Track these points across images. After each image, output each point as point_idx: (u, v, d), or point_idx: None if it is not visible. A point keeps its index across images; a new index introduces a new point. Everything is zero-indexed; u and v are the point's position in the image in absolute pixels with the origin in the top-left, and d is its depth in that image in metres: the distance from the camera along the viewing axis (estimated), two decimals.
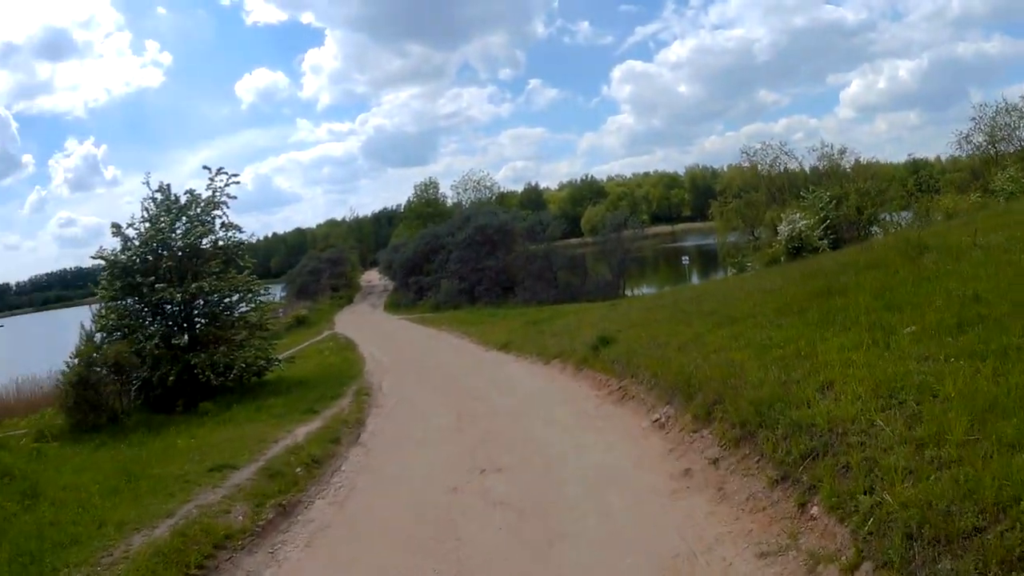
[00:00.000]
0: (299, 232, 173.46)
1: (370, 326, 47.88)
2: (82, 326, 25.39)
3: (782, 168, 47.80)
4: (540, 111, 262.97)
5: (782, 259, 33.83)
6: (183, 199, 26.63)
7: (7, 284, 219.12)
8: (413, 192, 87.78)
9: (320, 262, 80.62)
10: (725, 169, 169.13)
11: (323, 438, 14.80)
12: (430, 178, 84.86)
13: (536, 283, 51.51)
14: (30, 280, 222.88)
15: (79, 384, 20.71)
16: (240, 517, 9.79)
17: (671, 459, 9.95)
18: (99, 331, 25.02)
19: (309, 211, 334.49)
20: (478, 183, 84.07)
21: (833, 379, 8.64)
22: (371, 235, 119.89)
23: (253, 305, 27.80)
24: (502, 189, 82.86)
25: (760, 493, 7.83)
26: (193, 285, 24.73)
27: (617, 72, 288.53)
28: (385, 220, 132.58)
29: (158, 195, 26.32)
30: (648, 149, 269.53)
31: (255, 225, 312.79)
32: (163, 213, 25.98)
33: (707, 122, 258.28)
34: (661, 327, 17.94)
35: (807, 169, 47.23)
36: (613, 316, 25.46)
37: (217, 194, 26.98)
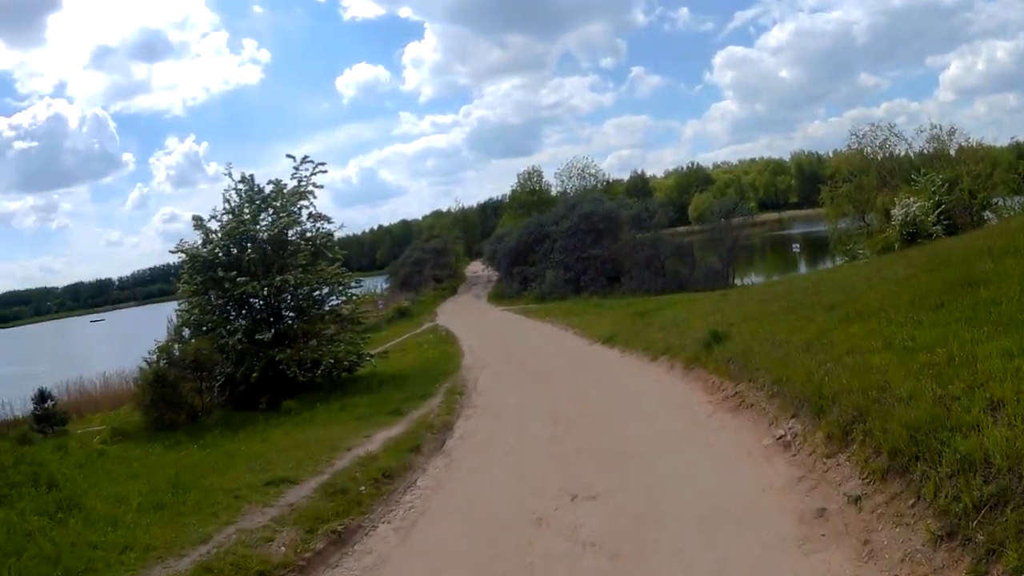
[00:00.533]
0: (404, 224, 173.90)
1: (472, 318, 46.67)
2: (169, 321, 24.55)
3: (891, 152, 44.73)
4: (643, 99, 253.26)
5: (896, 246, 32.12)
6: (268, 190, 25.72)
7: (110, 279, 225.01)
8: (516, 181, 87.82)
9: (423, 253, 79.26)
10: (831, 155, 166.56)
11: (402, 446, 13.58)
12: (533, 167, 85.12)
13: (643, 272, 49.35)
14: (132, 275, 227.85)
15: (156, 381, 20.29)
16: (283, 547, 8.58)
17: (800, 492, 8.12)
18: (182, 326, 24.38)
19: (415, 203, 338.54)
20: (583, 171, 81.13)
21: (1004, 397, 6.62)
22: (476, 225, 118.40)
23: (344, 298, 26.71)
24: (607, 176, 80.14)
25: (919, 552, 5.92)
26: (278, 278, 23.84)
27: (719, 58, 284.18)
28: (491, 210, 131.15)
29: (241, 186, 25.56)
30: (752, 136, 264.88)
31: (361, 218, 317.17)
32: (246, 204, 25.15)
33: (809, 107, 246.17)
34: (779, 321, 16.09)
35: (913, 153, 44.58)
36: (724, 307, 23.58)
37: (303, 184, 25.94)
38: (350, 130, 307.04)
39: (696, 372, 15.62)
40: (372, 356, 26.35)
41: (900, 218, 32.55)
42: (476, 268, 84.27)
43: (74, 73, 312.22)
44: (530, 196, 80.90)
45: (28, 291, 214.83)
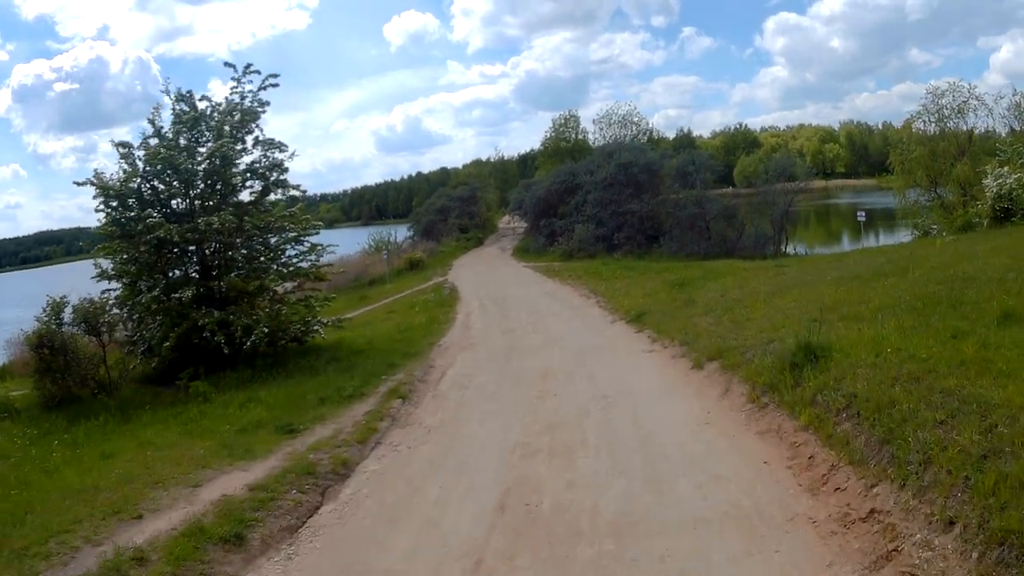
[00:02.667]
0: (443, 171, 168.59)
1: (488, 275, 40.68)
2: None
3: (970, 119, 38.14)
4: (693, 60, 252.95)
5: (985, 223, 27.54)
6: (206, 109, 20.20)
7: None
8: (551, 126, 77.79)
9: (449, 200, 72.89)
10: (881, 126, 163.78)
11: (210, 533, 7.60)
12: (570, 111, 75.59)
13: (685, 233, 42.70)
14: None
15: (41, 346, 17.12)
16: None
17: None
18: (98, 279, 19.72)
19: (460, 152, 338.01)
20: (624, 118, 70.90)
21: None
22: (516, 176, 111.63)
23: (302, 248, 21.78)
24: (651, 127, 71.47)
25: None
26: (201, 221, 17.98)
27: (771, 23, 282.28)
28: (531, 162, 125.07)
29: (181, 106, 19.79)
30: (800, 103, 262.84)
31: (404, 165, 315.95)
32: (184, 128, 20.08)
33: (859, 78, 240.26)
34: (894, 324, 10.50)
35: (995, 119, 38.17)
36: (787, 284, 19.70)
37: (246, 100, 20.12)
38: (396, 78, 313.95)
39: (772, 416, 9.36)
40: (321, 325, 20.77)
41: (994, 191, 27.05)
42: (510, 219, 78.12)
43: (118, 15, 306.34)
44: (564, 143, 72.83)
45: (61, 231, 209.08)
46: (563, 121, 72.12)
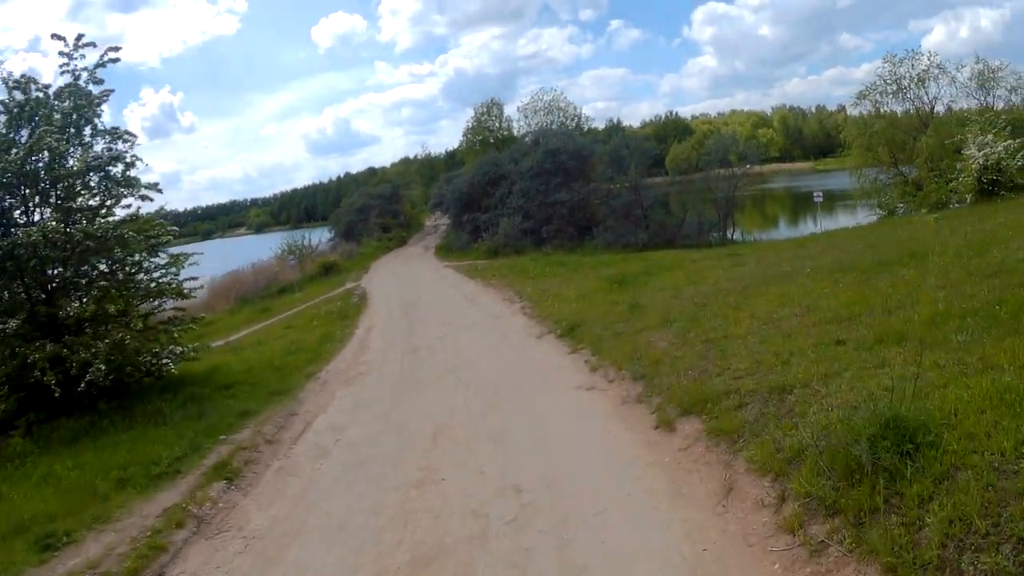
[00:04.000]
0: (371, 171, 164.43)
1: (405, 278, 36.48)
2: None
3: (932, 89, 35.34)
4: (621, 52, 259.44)
5: (968, 198, 25.23)
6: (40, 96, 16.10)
7: None
8: (473, 115, 71.51)
9: (369, 198, 68.95)
10: (813, 110, 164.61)
11: None
12: (492, 99, 70.33)
13: (621, 223, 39.42)
14: None
15: None
16: None
17: None
18: None
19: (390, 152, 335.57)
20: (550, 105, 64.99)
21: None
22: (443, 173, 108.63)
23: (157, 261, 17.39)
24: (580, 113, 66.35)
25: None
26: (20, 232, 14.30)
27: (699, 13, 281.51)
28: (459, 158, 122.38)
29: (17, 93, 15.53)
30: (729, 92, 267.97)
31: (335, 167, 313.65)
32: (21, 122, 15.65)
33: (789, 65, 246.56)
34: (1007, 357, 6.57)
35: (957, 90, 35.77)
36: (755, 279, 16.79)
37: (78, 78, 16.06)
38: (325, 80, 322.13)
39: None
40: (174, 356, 16.58)
41: (979, 162, 24.30)
42: (436, 217, 74.01)
43: (49, 26, 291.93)
44: (486, 132, 67.36)
45: None
46: (485, 110, 65.60)
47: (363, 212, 64.45)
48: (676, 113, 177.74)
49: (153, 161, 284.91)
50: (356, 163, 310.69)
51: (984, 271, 10.38)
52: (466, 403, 11.51)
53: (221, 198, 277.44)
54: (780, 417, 6.96)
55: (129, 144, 16.55)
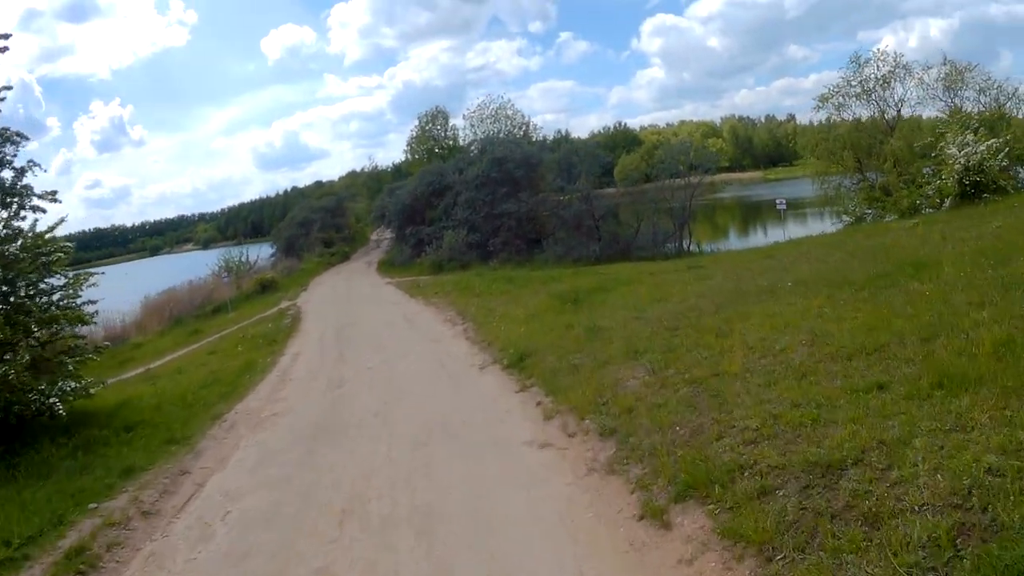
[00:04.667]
0: (318, 185, 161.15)
1: (343, 296, 34.03)
2: None
3: (898, 91, 33.67)
4: (570, 64, 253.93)
5: (948, 201, 23.69)
6: None
7: None
8: (416, 124, 68.00)
9: (312, 212, 66.16)
10: (763, 120, 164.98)
11: None
12: (437, 107, 64.39)
13: (572, 235, 37.26)
14: None
15: None
16: None
17: None
18: None
19: (337, 166, 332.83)
20: (497, 112, 60.32)
21: None
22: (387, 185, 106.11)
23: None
24: (528, 121, 62.93)
25: None
26: None
27: (648, 25, 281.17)
28: (407, 171, 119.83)
29: None
30: (678, 103, 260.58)
31: (283, 181, 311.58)
32: None
33: (737, 76, 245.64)
34: None
35: (925, 91, 33.48)
36: (730, 295, 14.57)
37: None
38: (275, 92, 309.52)
39: None
40: (64, 393, 13.82)
41: (960, 163, 22.77)
42: (382, 231, 71.38)
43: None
44: (430, 142, 64.37)
45: None
46: (430, 119, 62.63)
47: (305, 226, 61.68)
48: (625, 124, 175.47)
49: (103, 176, 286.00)
50: (305, 177, 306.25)
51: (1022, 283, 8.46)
52: (390, 459, 9.22)
53: (170, 213, 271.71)
54: (835, 518, 4.67)
55: (16, 147, 14.25)
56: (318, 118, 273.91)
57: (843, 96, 33.93)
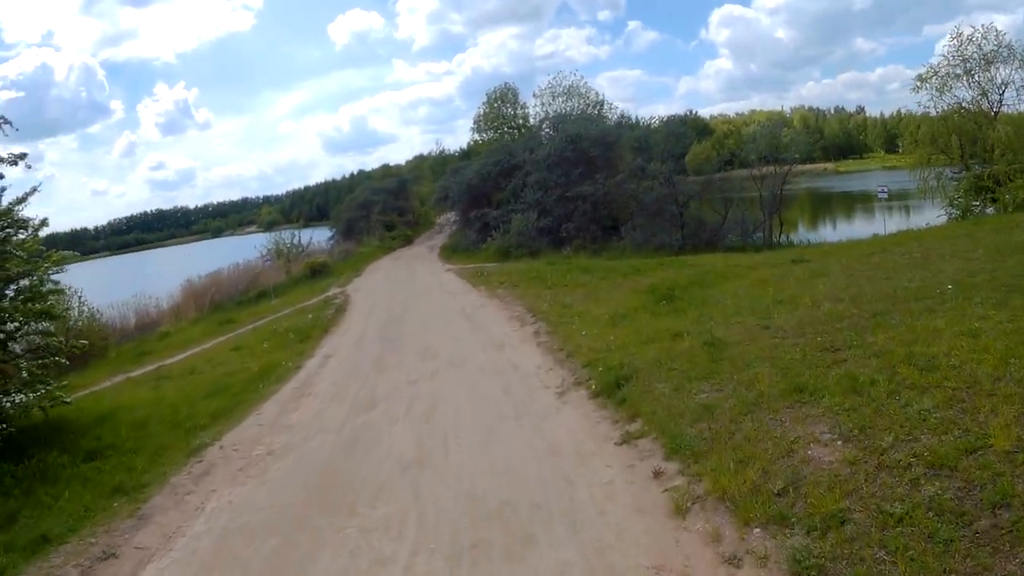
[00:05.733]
0: (385, 168, 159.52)
1: (399, 284, 30.16)
2: None
3: (1001, 72, 29.33)
4: (638, 53, 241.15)
5: None
6: None
7: (86, 229, 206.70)
8: (484, 102, 62.30)
9: (372, 193, 61.91)
10: (832, 112, 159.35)
11: None
12: (506, 84, 64.33)
13: (652, 221, 32.93)
14: (108, 224, 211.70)
15: None
16: None
17: None
18: None
19: (406, 150, 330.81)
20: (569, 89, 54.88)
21: None
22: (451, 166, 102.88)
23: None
24: (602, 99, 57.35)
25: None
26: None
27: (715, 16, 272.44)
28: (475, 153, 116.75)
29: None
30: (745, 94, 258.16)
31: (351, 165, 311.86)
32: None
33: (804, 68, 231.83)
34: None
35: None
36: (865, 299, 10.96)
37: None
38: (342, 77, 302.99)
39: None
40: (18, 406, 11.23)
41: None
42: (450, 215, 67.88)
43: (63, 21, 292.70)
44: (500, 121, 59.22)
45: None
46: (499, 95, 60.23)
47: (365, 208, 58.30)
48: (696, 112, 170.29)
49: (167, 158, 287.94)
50: (373, 161, 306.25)
51: None
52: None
53: (235, 196, 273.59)
54: None
55: None
56: (386, 103, 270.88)
57: (943, 77, 29.55)
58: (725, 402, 7.54)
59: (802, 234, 40.59)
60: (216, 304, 32.14)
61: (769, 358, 8.61)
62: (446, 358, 13.47)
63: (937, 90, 29.97)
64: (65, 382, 13.80)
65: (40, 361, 11.95)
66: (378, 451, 8.71)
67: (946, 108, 29.76)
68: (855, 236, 31.76)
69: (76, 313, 23.44)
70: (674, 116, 39.30)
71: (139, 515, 7.72)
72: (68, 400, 12.21)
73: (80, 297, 23.89)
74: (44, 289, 12.16)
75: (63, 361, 12.56)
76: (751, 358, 8.78)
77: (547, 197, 34.97)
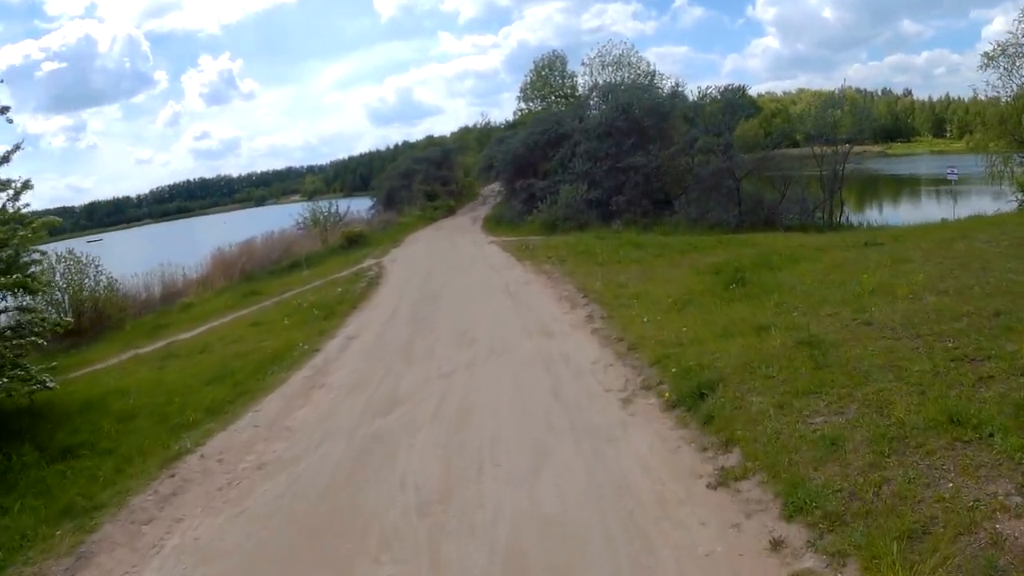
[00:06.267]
0: (430, 139, 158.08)
1: (439, 256, 28.26)
2: None
3: None
4: (685, 30, 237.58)
5: None
6: None
7: (128, 197, 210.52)
8: (531, 70, 59.32)
9: (414, 162, 59.23)
10: (880, 93, 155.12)
11: None
12: (554, 51, 60.73)
13: (707, 196, 30.64)
14: (151, 192, 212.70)
15: None
16: None
17: None
18: None
19: (452, 122, 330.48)
20: (619, 58, 50.90)
21: None
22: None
23: None
24: (654, 69, 54.05)
25: None
26: None
27: None
28: (521, 124, 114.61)
29: None
30: (791, 74, 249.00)
31: (396, 136, 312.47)
32: None
33: (851, 49, 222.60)
34: None
35: None
36: (972, 292, 8.99)
37: None
38: (388, 48, 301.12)
39: None
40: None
41: None
42: (496, 186, 65.81)
43: None
44: (547, 89, 56.13)
45: (45, 211, 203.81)
46: (546, 63, 57.54)
47: (407, 177, 56.13)
48: (744, 87, 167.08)
49: (212, 128, 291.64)
50: (418, 133, 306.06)
51: None
52: None
53: (279, 165, 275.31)
54: None
55: None
56: (432, 75, 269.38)
57: (1010, 56, 27.01)
58: (853, 433, 5.60)
59: (860, 215, 38.48)
60: (247, 274, 30.47)
61: (891, 367, 6.66)
62: (485, 344, 11.57)
63: (1007, 70, 27.60)
64: (54, 363, 12.60)
65: (16, 341, 10.30)
66: (392, 475, 6.79)
67: (1015, 89, 27.37)
68: (913, 220, 29.79)
69: (93, 283, 22.15)
70: (731, 85, 35.81)
71: (80, 552, 6.05)
72: (51, 384, 10.55)
73: (97, 267, 22.53)
74: (22, 260, 10.48)
75: (40, 341, 10.88)
76: (867, 366, 6.81)
77: (597, 168, 32.77)
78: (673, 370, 8.15)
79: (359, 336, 13.73)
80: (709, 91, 35.96)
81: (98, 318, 22.02)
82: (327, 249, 34.61)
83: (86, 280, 21.97)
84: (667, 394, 7.65)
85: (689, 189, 31.49)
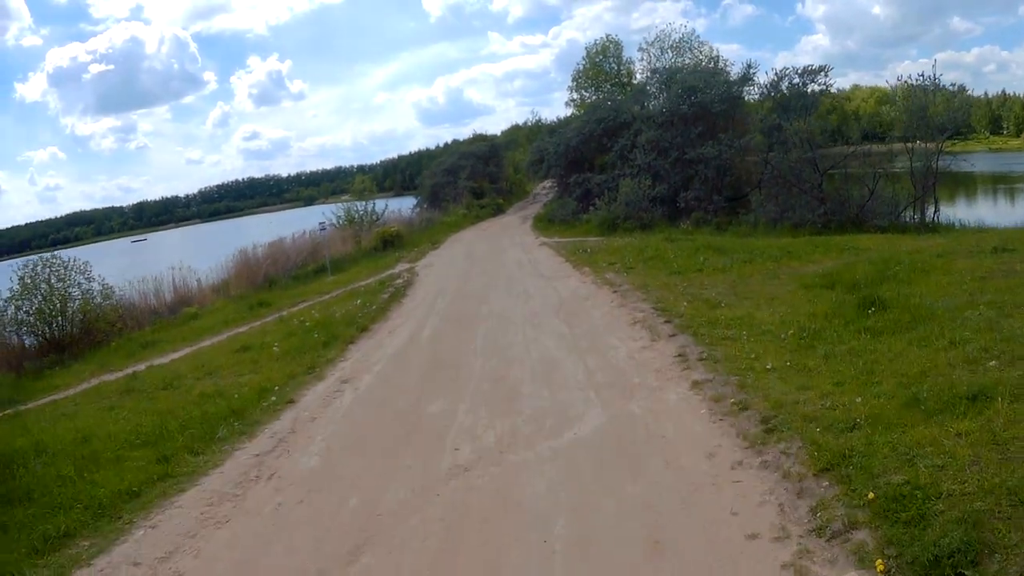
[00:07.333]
0: (479, 138, 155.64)
1: (481, 260, 24.45)
2: None
3: None
4: (734, 28, 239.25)
5: None
6: None
7: (177, 197, 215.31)
8: (584, 57, 53.44)
9: (460, 157, 55.53)
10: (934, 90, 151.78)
11: None
12: (608, 36, 55.19)
13: (787, 193, 26.58)
14: (200, 192, 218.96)
15: None
16: None
17: None
18: None
19: (502, 122, 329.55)
20: (680, 43, 46.38)
21: None
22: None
23: None
24: (718, 54, 48.77)
25: None
26: None
27: None
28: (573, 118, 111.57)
29: None
30: (841, 71, 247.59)
31: (447, 136, 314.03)
32: None
33: (900, 46, 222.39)
34: None
35: None
36: None
37: None
38: (437, 49, 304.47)
39: None
40: None
41: None
42: (549, 184, 61.79)
43: None
44: (601, 76, 50.03)
45: (93, 211, 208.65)
46: (600, 49, 51.85)
47: (451, 173, 52.88)
48: (797, 85, 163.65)
49: (261, 128, 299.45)
50: (468, 132, 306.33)
51: None
52: None
53: (329, 165, 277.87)
54: None
55: None
56: (481, 75, 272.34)
57: None
58: None
59: (952, 215, 34.58)
60: (270, 279, 27.17)
61: None
62: (531, 410, 7.74)
63: None
64: None
65: None
66: None
67: None
68: (1010, 222, 26.81)
69: (80, 292, 19.85)
70: (810, 66, 31.61)
71: None
72: None
73: (86, 273, 20.25)
74: None
75: None
76: None
77: (661, 160, 28.87)
78: (870, 496, 4.33)
79: (354, 379, 10.01)
80: (786, 72, 31.70)
81: (85, 331, 19.38)
82: (359, 251, 31.44)
83: (71, 289, 19.56)
84: (880, 565, 3.79)
85: (764, 184, 27.49)
